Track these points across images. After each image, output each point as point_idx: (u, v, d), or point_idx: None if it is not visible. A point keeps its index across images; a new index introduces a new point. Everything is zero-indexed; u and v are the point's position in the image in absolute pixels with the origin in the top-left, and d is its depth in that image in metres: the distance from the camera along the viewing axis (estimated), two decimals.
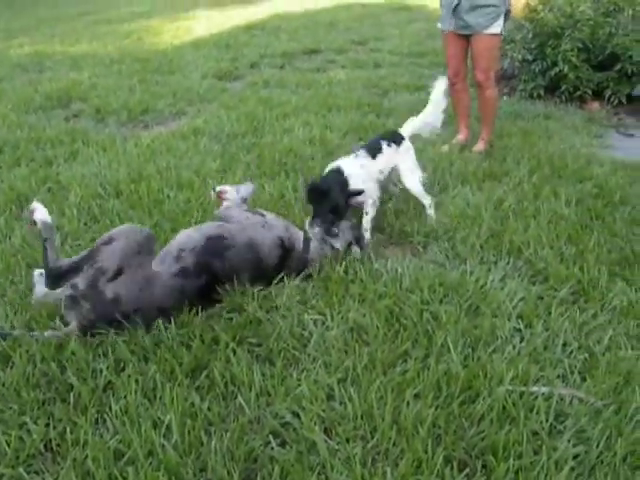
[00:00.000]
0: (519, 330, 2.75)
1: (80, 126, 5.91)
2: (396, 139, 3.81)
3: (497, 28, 4.70)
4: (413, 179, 3.78)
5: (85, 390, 2.35)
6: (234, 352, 2.53)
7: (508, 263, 3.30)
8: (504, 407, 2.26)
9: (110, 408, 2.28)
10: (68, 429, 2.21)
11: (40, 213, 2.84)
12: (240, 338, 2.64)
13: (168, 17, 15.14)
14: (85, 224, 3.73)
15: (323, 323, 2.73)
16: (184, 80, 7.76)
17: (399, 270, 3.15)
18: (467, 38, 4.86)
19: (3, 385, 2.42)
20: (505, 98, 6.93)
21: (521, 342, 2.65)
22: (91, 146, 5.19)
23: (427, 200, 3.80)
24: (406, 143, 3.85)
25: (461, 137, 5.31)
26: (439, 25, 5.06)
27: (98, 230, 3.61)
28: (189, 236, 2.95)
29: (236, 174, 4.37)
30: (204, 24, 13.25)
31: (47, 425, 2.24)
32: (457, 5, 4.73)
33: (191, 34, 11.91)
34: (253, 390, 2.37)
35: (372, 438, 2.14)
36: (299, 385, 2.37)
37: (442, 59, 8.13)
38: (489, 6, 4.62)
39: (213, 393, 2.38)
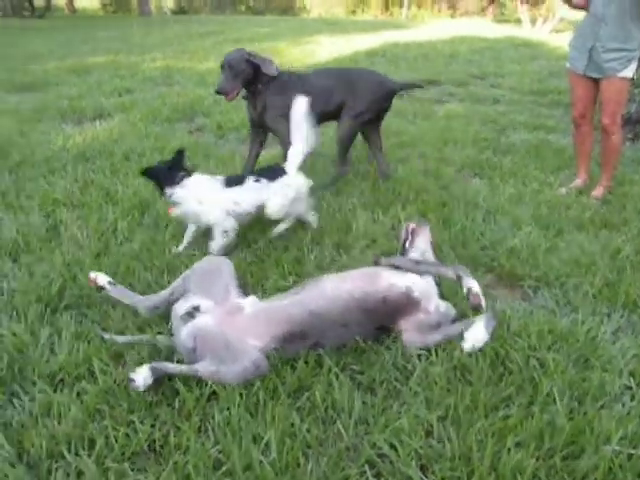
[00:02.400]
0: (630, 388, 2.63)
1: (202, 140, 6.15)
2: (271, 175, 3.69)
3: (629, 72, 4.58)
4: (275, 206, 3.65)
5: (190, 398, 2.43)
6: (337, 377, 2.56)
7: (622, 316, 3.18)
8: (610, 468, 2.16)
9: (213, 417, 2.35)
10: (172, 432, 2.30)
11: (102, 277, 3.06)
12: (344, 364, 2.66)
13: (292, 40, 15.55)
14: (203, 236, 3.87)
15: (427, 358, 2.71)
16: None
17: (507, 312, 3.09)
18: (596, 80, 4.74)
19: (115, 382, 2.53)
20: (628, 144, 6.69)
21: (632, 401, 2.54)
22: (212, 160, 5.39)
23: (282, 225, 3.81)
24: (285, 180, 3.69)
25: (579, 181, 5.17)
26: (568, 65, 4.96)
27: None
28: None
29: (349, 199, 4.42)
30: (327, 49, 13.54)
31: (152, 426, 2.33)
32: (591, 48, 4.64)
33: (314, 58, 12.17)
34: (352, 417, 2.38)
35: None
36: (399, 418, 2.36)
37: (564, 98, 8.03)
38: (624, 50, 4.51)
39: (313, 416, 2.40)
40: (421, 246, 3.18)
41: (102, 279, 3.03)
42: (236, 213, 3.62)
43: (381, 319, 2.76)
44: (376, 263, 2.98)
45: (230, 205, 3.60)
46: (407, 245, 3.20)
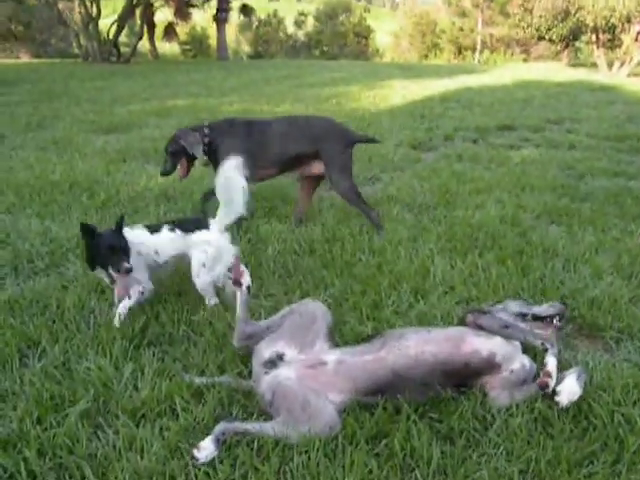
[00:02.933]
0: None
1: (279, 183, 6.26)
2: (188, 227, 3.53)
3: None
4: (198, 276, 3.50)
5: (269, 439, 2.44)
6: (415, 424, 2.54)
7: None
8: None
9: (292, 460, 2.35)
10: (251, 473, 2.32)
11: (247, 278, 3.06)
12: (422, 412, 2.63)
13: (365, 84, 15.78)
14: (280, 277, 3.95)
15: (507, 409, 2.67)
16: (379, 146, 8.02)
17: (590, 364, 3.02)
18: None
19: (195, 420, 2.59)
20: None
21: None
22: (289, 203, 5.49)
23: (211, 301, 3.57)
24: (203, 235, 3.50)
25: None
26: None
27: (291, 284, 3.82)
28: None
29: (426, 245, 4.43)
30: (400, 93, 13.70)
31: (232, 466, 2.35)
32: None
33: (387, 102, 12.33)
34: (431, 466, 2.35)
35: None
36: (479, 469, 2.32)
37: None
38: None
39: (391, 463, 2.38)
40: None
41: (246, 279, 3.06)
42: (157, 265, 3.54)
43: (462, 380, 2.74)
44: (464, 319, 2.95)
45: (153, 255, 3.51)
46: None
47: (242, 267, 3.07)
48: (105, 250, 3.24)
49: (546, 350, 2.76)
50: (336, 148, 4.68)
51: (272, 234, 4.62)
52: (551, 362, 2.69)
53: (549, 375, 2.64)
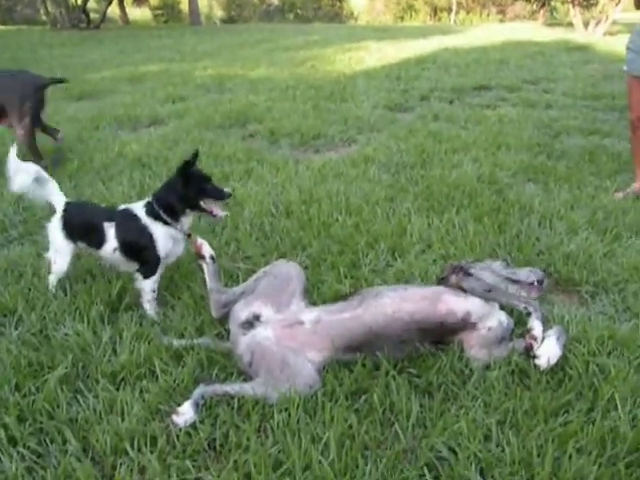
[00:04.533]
0: None
1: (255, 146, 6.23)
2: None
3: None
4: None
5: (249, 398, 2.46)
6: (394, 380, 2.56)
7: None
8: None
9: (272, 417, 2.37)
10: (232, 432, 2.33)
11: (207, 248, 3.04)
12: (401, 367, 2.66)
13: (341, 47, 15.62)
14: (257, 239, 3.93)
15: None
16: (355, 108, 7.98)
17: (566, 318, 3.06)
18: None
19: (175, 381, 2.59)
20: None
21: None
22: (265, 166, 5.46)
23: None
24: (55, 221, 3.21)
25: (637, 185, 5.07)
26: (625, 68, 4.88)
27: (268, 246, 3.81)
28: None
29: (403, 204, 4.43)
30: (375, 55, 13.58)
31: (212, 425, 2.37)
32: None
33: (363, 64, 12.22)
34: (410, 420, 2.38)
35: None
36: (457, 421, 2.35)
37: (619, 103, 7.89)
38: None
39: (371, 418, 2.41)
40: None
41: (207, 250, 3.03)
42: None
43: (439, 338, 2.76)
44: (446, 278, 2.93)
45: None
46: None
47: (199, 239, 3.04)
48: (205, 181, 3.08)
49: (529, 314, 2.78)
50: (13, 101, 5.32)
51: (249, 196, 4.59)
52: (537, 326, 2.70)
53: (534, 339, 2.66)
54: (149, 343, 2.84)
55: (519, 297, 2.89)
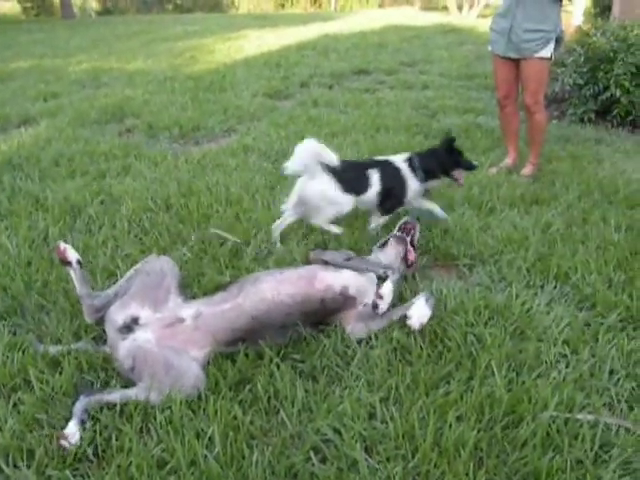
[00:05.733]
0: (565, 356, 2.71)
1: (133, 141, 6.05)
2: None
3: (547, 52, 4.69)
4: None
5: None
6: (278, 367, 2.55)
7: (555, 288, 3.27)
8: (548, 433, 2.23)
9: (155, 418, 2.31)
10: (114, 436, 2.25)
11: (72, 253, 2.83)
12: (284, 354, 2.65)
13: (220, 36, 15.44)
14: (135, 236, 3.81)
15: (367, 342, 2.73)
16: (235, 98, 7.90)
17: (444, 292, 3.14)
18: (517, 62, 4.85)
19: (52, 389, 2.48)
20: (555, 122, 6.89)
21: (567, 368, 2.61)
22: (143, 161, 5.31)
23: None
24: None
25: (509, 160, 5.29)
26: (490, 48, 5.06)
27: (147, 242, 3.70)
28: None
29: (284, 192, 4.41)
30: (255, 43, 13.51)
31: (94, 431, 2.27)
32: (509, 29, 4.74)
33: (243, 53, 12.13)
34: (295, 406, 2.38)
35: (413, 458, 2.13)
36: (341, 403, 2.37)
37: (491, 82, 8.15)
38: (540, 31, 4.63)
39: (256, 407, 2.40)
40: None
41: (72, 255, 2.81)
42: None
43: (320, 318, 2.78)
44: (308, 259, 3.01)
45: None
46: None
47: (62, 244, 2.83)
48: (461, 155, 3.89)
49: (387, 277, 2.83)
50: None
51: (126, 193, 4.45)
52: (385, 285, 2.77)
53: (380, 296, 2.73)
54: (24, 352, 2.69)
55: (379, 264, 2.98)
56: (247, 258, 3.47)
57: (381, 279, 2.87)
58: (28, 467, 2.13)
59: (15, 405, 2.42)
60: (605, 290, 3.21)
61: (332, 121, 6.57)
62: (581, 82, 6.81)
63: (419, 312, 2.70)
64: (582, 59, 6.83)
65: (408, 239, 3.26)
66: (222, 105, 7.42)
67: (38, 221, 4.02)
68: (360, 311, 2.78)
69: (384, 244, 3.30)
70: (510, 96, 5.09)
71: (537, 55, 4.69)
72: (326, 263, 2.89)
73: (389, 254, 3.21)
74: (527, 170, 5.08)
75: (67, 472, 2.11)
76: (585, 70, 6.80)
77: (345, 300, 2.76)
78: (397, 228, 3.38)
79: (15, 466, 2.15)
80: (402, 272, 3.16)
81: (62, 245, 2.82)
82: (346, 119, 6.69)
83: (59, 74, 10.21)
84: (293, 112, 7.16)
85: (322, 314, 2.76)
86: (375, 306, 2.73)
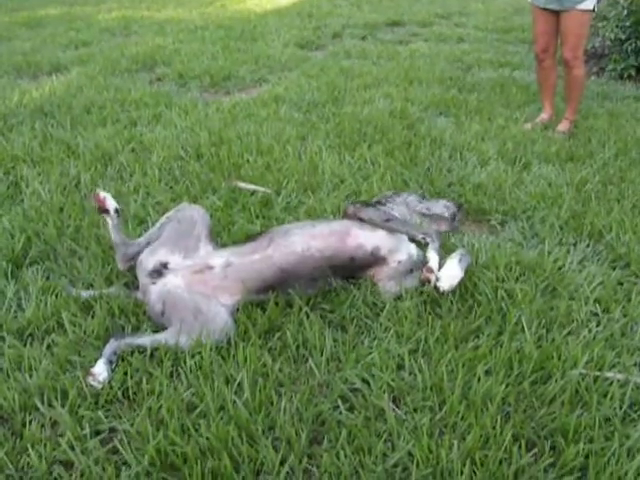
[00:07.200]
0: (596, 314, 2.68)
1: (163, 89, 6.01)
2: None
3: (589, 4, 4.53)
4: None
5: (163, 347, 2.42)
6: (307, 317, 2.56)
7: (588, 246, 3.22)
8: (577, 390, 2.21)
9: (185, 362, 2.33)
10: (144, 379, 2.28)
11: (111, 201, 2.83)
12: (314, 304, 2.66)
13: None
14: (166, 184, 3.82)
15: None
16: (266, 48, 7.81)
17: (475, 246, 3.11)
18: (557, 14, 4.70)
19: (85, 333, 2.52)
20: (593, 78, 6.71)
21: (597, 327, 2.58)
22: (174, 109, 5.29)
23: None
24: None
25: (545, 116, 5.17)
26: (529, 0, 4.92)
27: (178, 191, 3.71)
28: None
29: (315, 142, 4.38)
30: None
31: (125, 374, 2.31)
32: None
33: (274, 2, 11.96)
34: (324, 355, 2.39)
35: (440, 410, 2.14)
36: (370, 353, 2.38)
37: (528, 36, 7.99)
38: None
39: (285, 355, 2.41)
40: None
41: (111, 203, 2.81)
42: None
43: (349, 273, 2.77)
44: (346, 213, 2.93)
45: None
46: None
47: (101, 192, 2.84)
48: None
49: (427, 244, 2.78)
50: None
51: (157, 141, 4.44)
52: (432, 257, 2.70)
53: (431, 271, 2.66)
54: (57, 296, 2.73)
55: (418, 227, 2.92)
56: (277, 208, 3.46)
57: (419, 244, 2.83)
58: (62, 406, 2.17)
59: (49, 347, 2.47)
60: None
61: (364, 73, 6.47)
62: (623, 37, 6.61)
63: (449, 273, 2.64)
64: (625, 12, 6.62)
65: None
66: (253, 55, 7.34)
67: (70, 168, 4.04)
68: (393, 269, 2.75)
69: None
70: (548, 50, 4.94)
71: (579, 7, 4.53)
72: (362, 220, 2.83)
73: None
74: (563, 126, 4.97)
75: (99, 413, 2.15)
76: (628, 24, 6.58)
77: (375, 260, 2.74)
78: None
79: (50, 405, 2.19)
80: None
81: (102, 193, 2.82)
82: (378, 71, 6.59)
83: (89, 22, 10.14)
84: (325, 63, 7.06)
85: (350, 270, 2.74)
86: (427, 281, 2.67)
